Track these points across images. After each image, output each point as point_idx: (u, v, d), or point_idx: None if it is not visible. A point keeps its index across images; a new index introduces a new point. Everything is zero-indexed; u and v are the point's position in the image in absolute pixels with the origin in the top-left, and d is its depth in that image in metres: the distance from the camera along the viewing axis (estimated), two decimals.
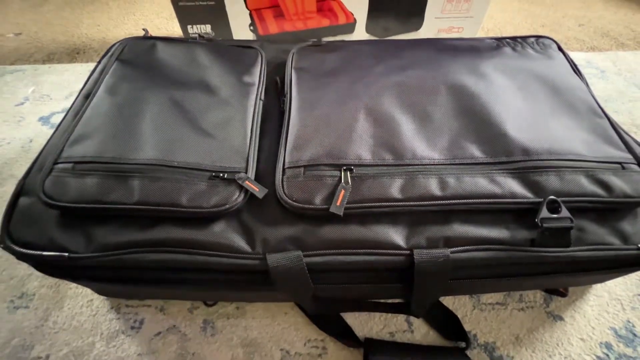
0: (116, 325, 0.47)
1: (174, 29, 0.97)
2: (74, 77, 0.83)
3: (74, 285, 0.51)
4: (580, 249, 0.35)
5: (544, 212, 0.34)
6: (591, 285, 0.51)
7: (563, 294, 0.50)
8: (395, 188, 0.36)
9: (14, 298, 0.50)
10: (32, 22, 1.00)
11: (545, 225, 0.34)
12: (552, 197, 0.35)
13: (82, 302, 0.49)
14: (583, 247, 0.35)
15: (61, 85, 0.81)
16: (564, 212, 0.34)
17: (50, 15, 1.02)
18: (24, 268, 0.53)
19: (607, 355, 0.46)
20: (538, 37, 0.56)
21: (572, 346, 0.46)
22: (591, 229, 0.36)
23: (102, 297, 0.50)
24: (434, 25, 0.84)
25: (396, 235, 0.35)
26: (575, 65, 0.52)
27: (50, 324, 0.48)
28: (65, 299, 0.50)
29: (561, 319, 0.48)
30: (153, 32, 0.54)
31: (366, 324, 0.48)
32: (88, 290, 0.50)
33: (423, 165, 0.37)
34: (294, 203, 0.35)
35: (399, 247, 0.35)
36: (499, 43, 0.54)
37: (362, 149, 0.39)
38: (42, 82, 0.81)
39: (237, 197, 0.35)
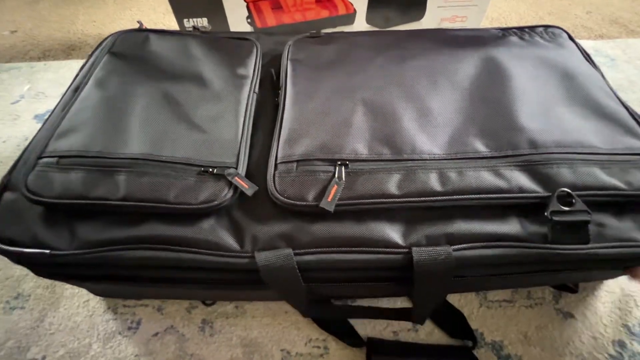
0: (113, 326, 0.46)
1: (171, 24, 0.96)
2: (70, 73, 0.81)
3: (69, 285, 0.50)
4: (601, 245, 0.33)
5: (555, 205, 0.32)
6: (602, 281, 0.49)
7: (573, 290, 0.48)
8: (392, 184, 0.34)
9: (9, 299, 0.49)
10: (28, 19, 0.98)
11: (556, 218, 0.32)
12: (563, 189, 0.33)
13: (78, 303, 0.48)
14: (605, 244, 0.33)
15: (57, 82, 0.79)
16: (579, 205, 0.32)
17: (45, 12, 1.01)
18: (20, 268, 0.52)
19: (621, 353, 0.44)
20: (547, 26, 0.53)
21: (584, 344, 0.45)
22: (613, 224, 0.34)
23: (98, 298, 0.49)
24: (437, 14, 0.81)
25: (393, 233, 0.33)
26: (588, 55, 0.49)
27: (46, 324, 0.47)
28: (61, 299, 0.49)
29: (571, 316, 0.47)
30: (149, 27, 0.52)
31: (369, 322, 0.46)
32: (84, 291, 0.49)
33: (423, 160, 0.36)
34: (286, 199, 0.34)
35: (396, 245, 0.33)
36: (505, 32, 0.52)
37: (359, 144, 0.37)
38: (37, 79, 0.80)
39: (227, 194, 0.34)
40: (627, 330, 0.45)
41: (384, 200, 0.33)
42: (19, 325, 0.47)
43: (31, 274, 0.51)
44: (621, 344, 0.45)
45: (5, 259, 0.52)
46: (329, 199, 0.33)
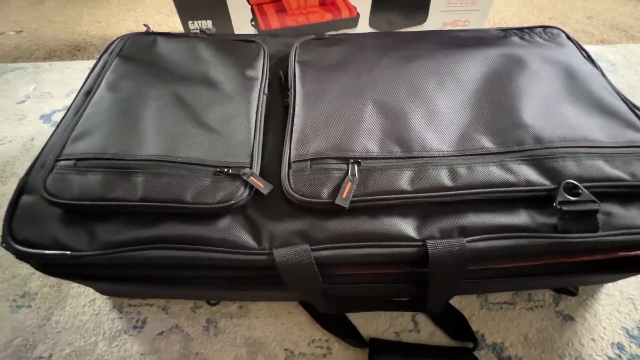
0: (118, 325, 0.47)
1: (175, 25, 0.96)
2: (75, 74, 0.82)
3: (76, 284, 0.50)
4: (610, 233, 0.33)
5: (562, 195, 0.33)
6: (602, 284, 0.50)
7: (573, 293, 0.49)
8: (404, 180, 0.35)
9: (16, 297, 0.50)
10: (33, 20, 0.99)
11: (565, 208, 0.32)
12: (569, 180, 0.34)
13: (84, 302, 0.49)
14: (613, 232, 0.33)
15: (62, 83, 0.80)
16: (585, 195, 0.33)
17: (50, 13, 1.01)
18: (27, 267, 0.52)
19: (619, 356, 0.44)
20: (545, 27, 0.54)
21: (583, 347, 0.45)
22: (620, 213, 0.34)
23: (104, 297, 0.49)
24: (439, 18, 0.82)
25: (407, 227, 0.34)
26: (587, 53, 0.50)
27: (53, 323, 0.47)
28: (67, 298, 0.49)
29: (571, 318, 0.47)
30: (154, 29, 0.53)
31: (371, 323, 0.47)
32: (90, 290, 0.50)
33: (432, 157, 0.36)
34: (301, 197, 0.34)
35: (410, 239, 0.33)
36: (506, 33, 0.53)
37: (370, 142, 0.38)
38: (43, 79, 0.81)
39: (243, 193, 0.35)
40: (626, 333, 0.46)
41: (397, 196, 0.34)
42: (25, 323, 0.47)
43: (38, 273, 0.52)
44: (620, 347, 0.45)
45: (12, 257, 0.53)
46: (344, 196, 0.33)
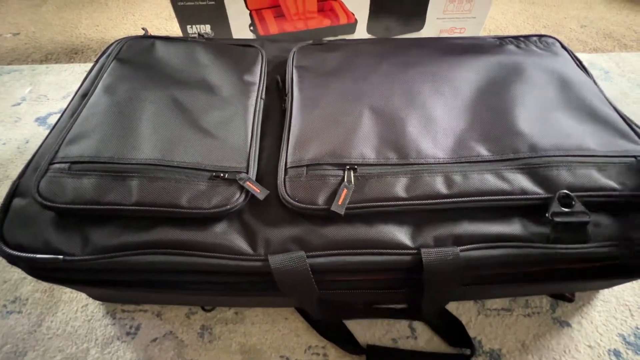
0: (111, 331, 0.46)
1: (174, 30, 0.96)
2: (72, 77, 0.82)
3: (68, 289, 0.49)
4: (599, 244, 0.33)
5: (556, 206, 0.33)
6: (598, 291, 0.50)
7: (569, 299, 0.49)
8: (400, 187, 0.35)
9: (6, 302, 0.49)
10: (31, 22, 0.99)
11: (557, 219, 0.32)
12: (563, 191, 0.34)
13: (76, 307, 0.48)
14: (602, 243, 0.33)
15: (59, 86, 0.80)
16: (578, 207, 0.33)
17: (48, 16, 1.01)
18: (18, 271, 0.51)
19: None
20: (541, 35, 0.55)
21: (580, 353, 0.45)
22: (609, 224, 0.34)
23: (97, 302, 0.48)
24: (436, 25, 0.83)
25: (402, 235, 0.34)
26: (581, 62, 0.51)
27: (44, 329, 0.46)
28: (59, 303, 0.48)
29: (568, 325, 0.47)
30: (152, 33, 0.53)
31: (368, 329, 0.47)
32: (83, 295, 0.49)
33: (428, 164, 0.37)
34: (297, 203, 0.34)
35: (405, 247, 0.34)
36: (502, 41, 0.54)
37: (366, 148, 0.38)
38: (39, 82, 0.81)
39: (238, 198, 0.35)
40: (622, 340, 0.46)
41: (393, 203, 0.34)
42: (15, 329, 0.46)
43: (29, 278, 0.51)
44: (616, 353, 0.45)
45: (2, 262, 0.52)
46: (340, 203, 0.33)
